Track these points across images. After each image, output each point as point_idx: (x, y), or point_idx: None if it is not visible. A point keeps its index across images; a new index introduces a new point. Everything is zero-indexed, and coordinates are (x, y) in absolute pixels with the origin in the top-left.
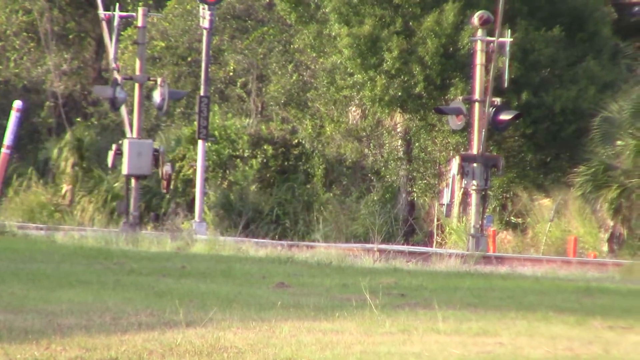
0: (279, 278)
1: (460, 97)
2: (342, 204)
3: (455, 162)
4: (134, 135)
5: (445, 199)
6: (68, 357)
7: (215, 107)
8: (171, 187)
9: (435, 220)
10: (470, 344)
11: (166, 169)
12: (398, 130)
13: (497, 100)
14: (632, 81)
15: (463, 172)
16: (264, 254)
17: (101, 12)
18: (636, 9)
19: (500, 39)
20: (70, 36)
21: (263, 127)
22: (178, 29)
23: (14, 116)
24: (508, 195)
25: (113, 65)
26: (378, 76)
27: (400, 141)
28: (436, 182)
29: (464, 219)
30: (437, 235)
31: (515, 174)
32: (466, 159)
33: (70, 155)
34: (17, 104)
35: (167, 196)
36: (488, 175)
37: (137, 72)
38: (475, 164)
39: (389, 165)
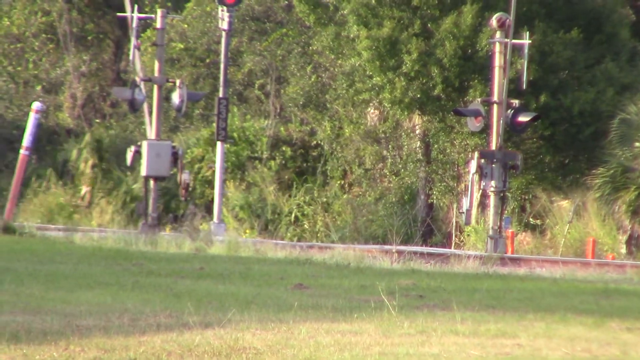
0: (297, 279)
1: (479, 99)
2: (361, 205)
3: (474, 160)
4: (153, 136)
5: (465, 206)
6: (86, 358)
7: (234, 108)
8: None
9: (454, 221)
10: (488, 345)
11: (184, 177)
12: (417, 132)
13: (516, 102)
14: None
15: (482, 173)
16: (282, 255)
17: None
18: None
19: (519, 41)
20: (89, 37)
21: (282, 128)
22: (197, 30)
23: (32, 117)
24: (526, 197)
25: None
26: (397, 78)
27: (419, 143)
28: (455, 184)
29: (482, 220)
30: (456, 236)
31: (534, 175)
32: (485, 156)
33: (89, 156)
34: (36, 105)
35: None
36: (506, 176)
37: (156, 74)
38: (494, 164)
39: (407, 167)
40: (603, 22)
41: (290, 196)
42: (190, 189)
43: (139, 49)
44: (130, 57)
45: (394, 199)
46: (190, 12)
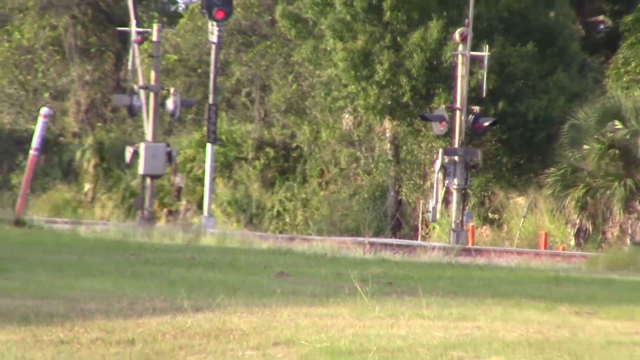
0: (279, 268)
1: (443, 106)
2: (336, 201)
3: (439, 159)
4: (149, 139)
5: (431, 205)
6: (89, 338)
7: (222, 114)
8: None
9: (421, 216)
10: (451, 327)
11: (177, 180)
12: (387, 135)
13: (476, 109)
14: (598, 92)
15: (445, 172)
16: (265, 246)
17: (134, 30)
18: (601, 26)
19: (480, 54)
20: (92, 50)
21: (265, 132)
22: (189, 43)
23: (41, 121)
24: (486, 194)
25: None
26: (370, 87)
27: (389, 145)
28: (422, 182)
29: (446, 215)
30: (422, 229)
31: (492, 174)
32: (448, 153)
33: (92, 156)
34: (44, 110)
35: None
36: (468, 175)
37: (152, 82)
38: (457, 164)
39: (379, 167)
40: (555, 36)
41: (272, 193)
42: (181, 190)
43: (139, 43)
44: (129, 67)
45: (366, 196)
46: (183, 27)
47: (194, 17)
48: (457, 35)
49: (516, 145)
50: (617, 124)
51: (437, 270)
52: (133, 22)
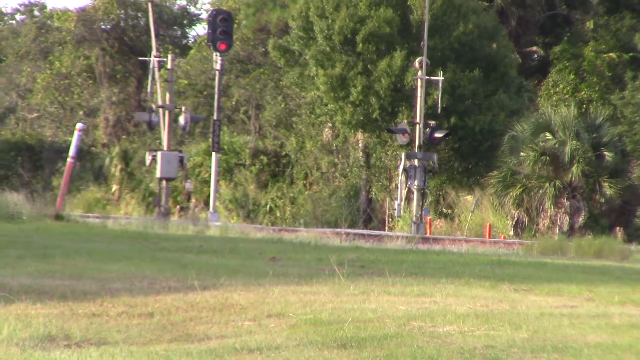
0: (271, 254)
1: (406, 120)
2: (318, 199)
3: (402, 162)
4: (165, 148)
5: (396, 203)
6: (116, 312)
7: (224, 128)
8: (190, 197)
9: (387, 211)
10: (412, 302)
11: (187, 186)
12: (360, 145)
13: (433, 123)
14: (532, 109)
15: (407, 175)
16: (260, 236)
17: (153, 59)
18: (535, 55)
19: (435, 78)
20: (118, 76)
21: (260, 142)
22: (197, 70)
23: (76, 134)
24: (440, 193)
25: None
26: (346, 106)
27: (361, 153)
28: (388, 184)
29: (408, 210)
30: (388, 222)
31: (446, 177)
32: (409, 156)
33: (118, 163)
34: (79, 125)
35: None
36: (426, 177)
37: (167, 102)
38: (417, 165)
39: (353, 171)
40: (497, 64)
41: (266, 192)
42: (191, 194)
43: (158, 57)
44: (149, 90)
45: (342, 195)
46: (192, 57)
47: (201, 49)
48: (416, 63)
49: (465, 153)
50: (548, 136)
51: (401, 255)
52: (153, 53)
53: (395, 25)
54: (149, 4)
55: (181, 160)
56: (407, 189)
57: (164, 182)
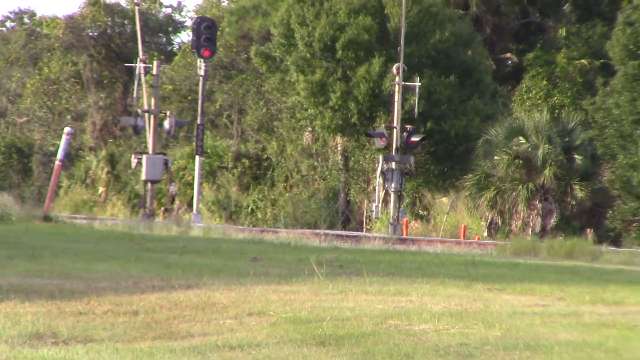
0: (253, 254)
1: (384, 125)
2: (298, 201)
3: (380, 165)
4: (150, 152)
5: (374, 204)
6: (102, 310)
7: (208, 132)
8: (174, 200)
9: (365, 213)
10: (389, 301)
11: (171, 189)
12: (339, 149)
13: (409, 127)
14: (506, 114)
15: (385, 178)
16: (242, 237)
17: (139, 65)
18: (509, 62)
19: (412, 84)
20: (105, 81)
21: (242, 146)
22: (182, 76)
23: (64, 138)
24: (417, 195)
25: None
26: (325, 110)
27: (340, 157)
28: (366, 186)
29: (385, 212)
30: (366, 223)
31: (422, 179)
32: (387, 159)
33: (104, 165)
34: (67, 129)
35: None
36: (402, 180)
37: (152, 107)
38: (394, 168)
39: (332, 174)
40: (472, 70)
41: (247, 194)
42: (174, 196)
43: (144, 62)
44: (134, 95)
45: (322, 197)
46: (177, 63)
47: (185, 55)
48: (394, 69)
49: (441, 157)
50: (521, 140)
51: (378, 255)
52: (140, 57)
53: (373, 32)
54: (136, 8)
55: (166, 163)
56: (384, 191)
57: (149, 185)
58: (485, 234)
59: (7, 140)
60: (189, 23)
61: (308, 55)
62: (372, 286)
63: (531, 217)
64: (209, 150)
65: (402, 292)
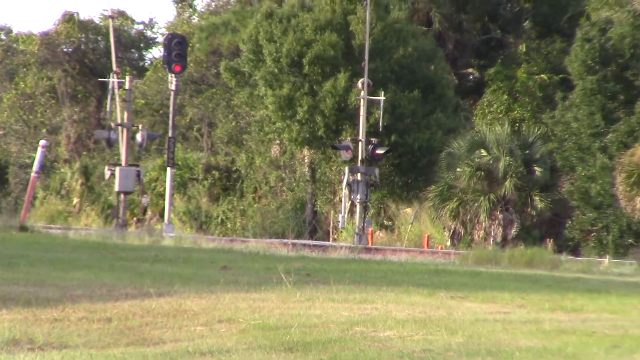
0: (222, 263)
1: (349, 138)
2: (267, 212)
3: (346, 177)
4: (123, 164)
5: (340, 215)
6: (77, 317)
7: (179, 144)
8: (146, 211)
9: (332, 223)
10: (355, 308)
11: (143, 201)
12: (306, 161)
13: (374, 140)
14: (468, 127)
15: (351, 189)
16: (212, 246)
17: (112, 80)
18: (470, 77)
19: (377, 98)
20: (79, 96)
21: (212, 158)
22: (153, 90)
23: (40, 151)
24: (382, 206)
25: (114, 69)
26: (293, 124)
27: (307, 168)
28: (332, 197)
29: (351, 222)
30: (333, 233)
31: (387, 191)
32: (353, 170)
33: (79, 177)
34: (42, 142)
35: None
36: (368, 191)
37: (125, 121)
38: (359, 180)
39: (299, 185)
40: (435, 85)
41: (217, 205)
42: (146, 208)
43: (117, 74)
44: (108, 109)
45: (289, 207)
46: (149, 78)
47: (157, 70)
48: (359, 84)
49: (405, 169)
50: (483, 152)
51: (344, 264)
52: (113, 73)
53: (339, 48)
54: (110, 21)
55: (138, 175)
56: (350, 202)
57: (122, 196)
58: (448, 243)
59: None
60: (160, 39)
61: (276, 70)
62: (339, 294)
63: (492, 227)
64: (180, 163)
65: (368, 299)
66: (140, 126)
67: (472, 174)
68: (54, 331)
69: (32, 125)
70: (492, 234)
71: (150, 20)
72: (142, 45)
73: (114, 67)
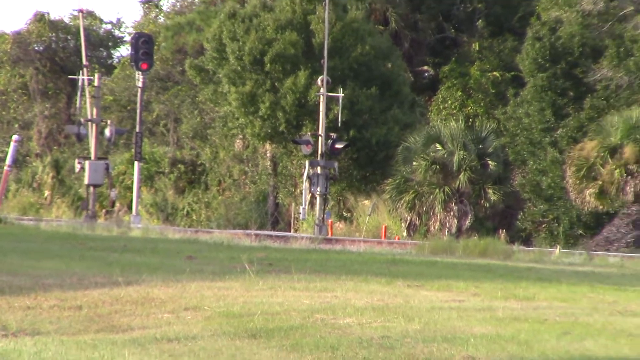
0: (188, 253)
1: (309, 133)
2: (230, 204)
3: (306, 170)
4: (92, 157)
5: (301, 207)
6: (49, 305)
7: (146, 139)
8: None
9: (293, 214)
10: (316, 297)
11: (112, 195)
12: (268, 155)
13: (334, 135)
14: (423, 122)
15: (311, 182)
16: (178, 237)
17: (81, 77)
18: (426, 74)
19: (336, 94)
20: (50, 92)
21: (178, 152)
22: (121, 87)
23: (12, 145)
24: (341, 198)
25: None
26: (255, 120)
27: (269, 162)
28: (293, 190)
29: (311, 213)
30: (294, 224)
31: (346, 184)
32: (313, 164)
33: (50, 170)
34: (15, 137)
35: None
36: (327, 184)
37: (94, 116)
38: (319, 173)
39: (261, 178)
40: (392, 82)
41: (183, 197)
42: (115, 201)
43: (87, 68)
44: (77, 105)
45: (252, 200)
46: (117, 75)
47: (125, 68)
48: (319, 81)
49: (363, 162)
50: (438, 147)
51: (305, 254)
52: (81, 72)
53: (299, 47)
54: (80, 15)
55: (107, 168)
56: (310, 194)
57: (91, 188)
58: (405, 234)
59: None
60: (127, 38)
61: (239, 68)
62: (300, 283)
63: (447, 218)
64: (147, 157)
65: (328, 288)
66: (108, 121)
67: (428, 168)
68: (26, 318)
69: (5, 121)
70: (447, 225)
71: (118, 20)
72: (110, 44)
73: (84, 61)
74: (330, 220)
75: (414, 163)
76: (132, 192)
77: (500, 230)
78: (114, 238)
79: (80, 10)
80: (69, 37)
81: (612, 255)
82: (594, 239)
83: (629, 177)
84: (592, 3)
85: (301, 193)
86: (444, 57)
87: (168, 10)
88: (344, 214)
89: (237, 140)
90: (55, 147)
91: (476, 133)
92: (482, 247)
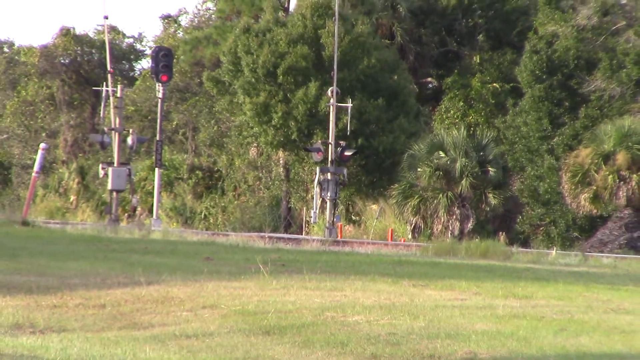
0: (206, 254)
1: (320, 141)
2: (245, 208)
3: (317, 176)
4: (115, 164)
5: (312, 211)
6: (74, 303)
7: (165, 147)
8: (136, 210)
9: (304, 218)
10: (326, 296)
11: (134, 201)
12: (281, 162)
13: (343, 143)
14: (427, 131)
15: (322, 187)
16: (196, 239)
17: (104, 89)
18: (430, 85)
19: (345, 105)
20: (75, 103)
21: (196, 160)
22: (142, 98)
23: (40, 153)
24: (350, 202)
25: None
26: (269, 129)
27: (282, 169)
28: (305, 195)
29: (322, 217)
30: (305, 227)
31: (354, 189)
32: (323, 170)
33: (75, 176)
34: (43, 145)
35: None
36: (337, 189)
37: (117, 126)
38: (329, 179)
39: (275, 184)
40: (398, 93)
41: (201, 202)
42: (136, 207)
43: (112, 74)
44: (101, 115)
45: (266, 204)
46: (138, 87)
47: (145, 80)
48: (329, 92)
49: (371, 169)
50: (441, 154)
51: (316, 255)
52: (105, 84)
53: (310, 60)
54: (105, 21)
55: (129, 174)
56: (321, 199)
57: (114, 193)
58: (410, 236)
59: None
60: (148, 52)
61: (253, 80)
62: (311, 282)
63: (450, 221)
64: (166, 163)
65: (338, 287)
66: (130, 130)
67: (432, 174)
68: (53, 316)
69: (32, 130)
70: (450, 227)
71: (139, 34)
72: (132, 57)
73: (109, 67)
74: (340, 224)
75: (419, 169)
76: (152, 197)
77: (500, 233)
78: (135, 240)
79: (106, 17)
80: (93, 51)
81: (605, 256)
82: (589, 241)
83: (622, 182)
84: (587, 18)
85: (312, 198)
86: (446, 69)
87: (186, 25)
88: (353, 217)
89: (252, 148)
90: (80, 155)
91: (477, 141)
92: (483, 248)
